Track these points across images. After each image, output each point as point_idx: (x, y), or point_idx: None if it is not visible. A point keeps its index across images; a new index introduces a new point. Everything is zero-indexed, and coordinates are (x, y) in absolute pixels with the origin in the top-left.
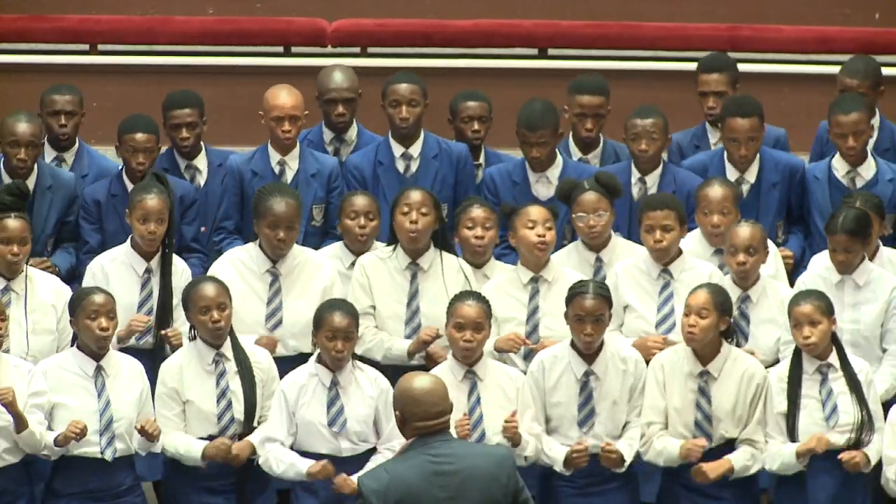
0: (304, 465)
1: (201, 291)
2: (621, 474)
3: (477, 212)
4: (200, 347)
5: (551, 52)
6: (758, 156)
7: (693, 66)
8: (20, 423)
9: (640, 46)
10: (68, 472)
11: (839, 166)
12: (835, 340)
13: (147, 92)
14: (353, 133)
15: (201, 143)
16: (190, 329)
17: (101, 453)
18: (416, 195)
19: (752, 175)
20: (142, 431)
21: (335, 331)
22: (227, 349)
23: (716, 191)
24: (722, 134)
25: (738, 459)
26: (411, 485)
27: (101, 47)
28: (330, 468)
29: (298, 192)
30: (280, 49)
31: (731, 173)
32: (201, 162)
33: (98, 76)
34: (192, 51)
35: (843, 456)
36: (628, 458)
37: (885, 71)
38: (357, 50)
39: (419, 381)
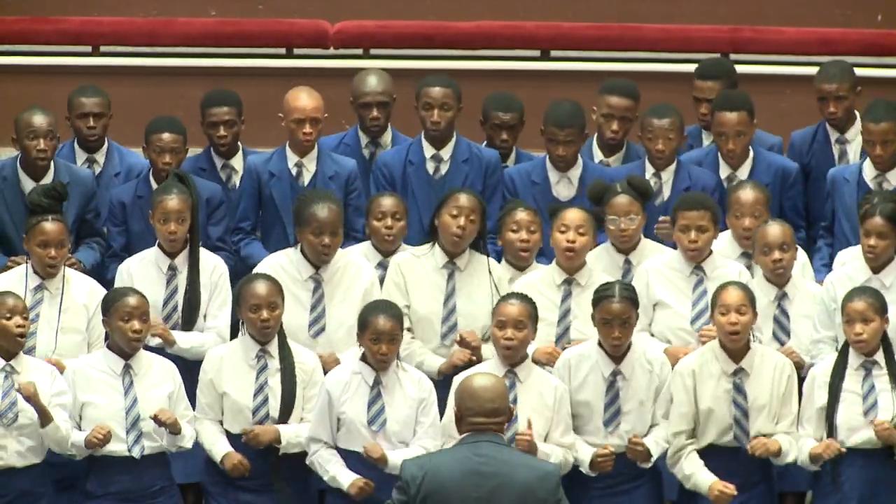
0: (346, 481)
1: (254, 289)
2: (646, 473)
3: (521, 215)
4: (247, 342)
5: (553, 53)
6: (751, 155)
7: (695, 67)
8: (44, 418)
9: (641, 48)
10: (101, 472)
11: (869, 171)
12: (884, 338)
13: (149, 94)
14: (387, 137)
15: (238, 143)
16: (241, 324)
17: (129, 451)
18: (466, 200)
19: (743, 173)
20: (155, 419)
21: (379, 334)
22: (272, 346)
23: (748, 194)
24: (712, 128)
25: (783, 442)
26: (448, 479)
27: (103, 49)
28: (369, 488)
29: None
30: (282, 51)
31: (724, 170)
32: (237, 162)
33: (100, 78)
34: (194, 52)
35: (877, 421)
36: (655, 454)
37: (887, 73)
38: (359, 52)
39: (479, 378)
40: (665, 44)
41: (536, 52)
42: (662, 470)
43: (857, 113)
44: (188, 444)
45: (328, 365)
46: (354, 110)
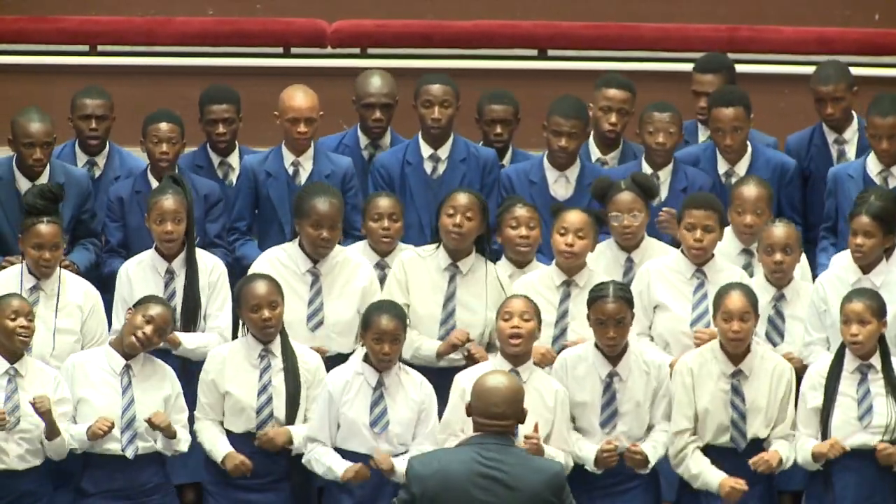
0: (340, 469)
1: (253, 289)
2: (644, 474)
3: (521, 211)
4: (249, 341)
5: (551, 52)
6: (749, 150)
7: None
8: (52, 432)
9: (639, 47)
10: (95, 471)
11: (873, 166)
12: (881, 342)
13: (147, 93)
14: (387, 139)
15: (235, 140)
16: (241, 324)
17: (123, 450)
18: (462, 198)
19: (741, 168)
20: (149, 423)
21: (382, 333)
22: (275, 346)
23: (751, 190)
24: (709, 124)
25: (783, 451)
26: (454, 479)
27: (100, 48)
28: (364, 472)
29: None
30: (280, 50)
31: (722, 165)
32: (234, 159)
33: (98, 77)
34: (191, 52)
35: (879, 446)
36: (653, 461)
37: (885, 72)
38: (357, 51)
39: (493, 378)
40: (663, 43)
41: (534, 52)
42: (660, 470)
43: (854, 113)
44: (184, 447)
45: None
46: (357, 110)
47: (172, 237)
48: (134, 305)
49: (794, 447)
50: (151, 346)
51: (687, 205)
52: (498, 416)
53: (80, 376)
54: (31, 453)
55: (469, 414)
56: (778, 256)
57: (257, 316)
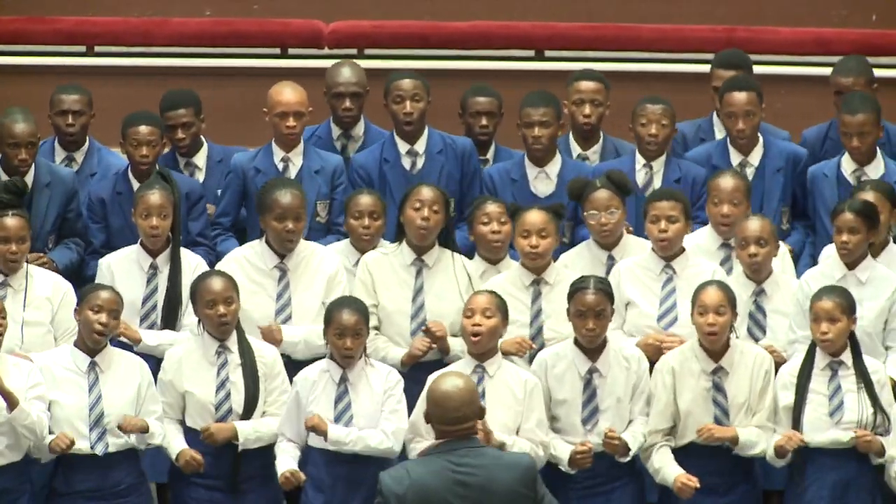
0: (279, 471)
1: (208, 286)
2: (627, 473)
3: (492, 207)
4: (206, 339)
5: (548, 53)
6: (761, 141)
7: (691, 67)
8: (10, 401)
9: (637, 48)
10: (67, 470)
11: (847, 165)
12: (852, 339)
13: (144, 93)
14: (360, 129)
15: (202, 138)
16: (198, 322)
17: (92, 448)
18: (427, 192)
19: (755, 159)
20: (121, 429)
21: (343, 328)
22: (231, 342)
23: (727, 181)
24: (721, 111)
25: (744, 433)
26: (430, 492)
27: (98, 49)
28: (294, 479)
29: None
30: (277, 50)
31: (735, 157)
32: (200, 159)
33: (95, 78)
34: (189, 52)
35: (858, 432)
36: (633, 447)
37: (883, 72)
38: (354, 51)
39: (445, 383)
40: (661, 44)
41: (531, 52)
42: (643, 472)
43: None
44: (158, 440)
45: (269, 335)
46: (327, 101)
47: (157, 232)
48: (78, 304)
49: (767, 439)
50: (112, 331)
51: (650, 198)
52: (459, 419)
53: (47, 379)
54: (9, 448)
55: (428, 422)
56: (752, 249)
57: (213, 312)
